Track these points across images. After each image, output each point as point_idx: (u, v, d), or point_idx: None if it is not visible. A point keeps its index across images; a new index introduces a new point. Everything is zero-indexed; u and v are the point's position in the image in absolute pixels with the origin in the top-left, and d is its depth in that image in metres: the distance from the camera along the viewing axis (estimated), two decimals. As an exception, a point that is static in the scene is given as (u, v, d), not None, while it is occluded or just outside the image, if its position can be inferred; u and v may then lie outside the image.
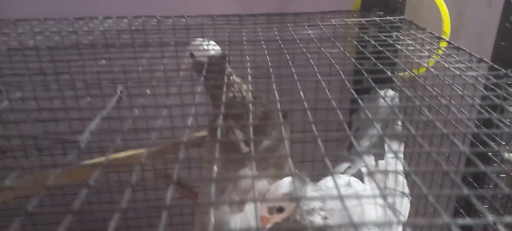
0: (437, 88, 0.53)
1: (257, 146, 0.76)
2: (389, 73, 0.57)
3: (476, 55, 0.61)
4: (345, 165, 0.82)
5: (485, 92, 0.49)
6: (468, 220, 0.28)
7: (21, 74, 0.55)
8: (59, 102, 0.47)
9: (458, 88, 0.49)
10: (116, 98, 0.46)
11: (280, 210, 0.66)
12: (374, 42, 0.66)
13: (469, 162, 0.46)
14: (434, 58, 0.63)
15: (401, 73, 0.91)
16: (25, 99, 0.47)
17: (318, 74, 0.54)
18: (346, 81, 0.52)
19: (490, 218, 0.28)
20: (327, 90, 0.50)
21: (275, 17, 0.85)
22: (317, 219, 0.67)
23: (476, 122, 0.64)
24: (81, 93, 0.49)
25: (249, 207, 0.75)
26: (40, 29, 0.76)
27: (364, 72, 0.55)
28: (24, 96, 0.48)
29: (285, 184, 0.67)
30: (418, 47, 0.65)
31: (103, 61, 0.60)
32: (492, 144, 0.37)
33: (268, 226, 0.74)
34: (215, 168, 0.35)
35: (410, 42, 0.67)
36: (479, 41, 0.97)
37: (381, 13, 0.86)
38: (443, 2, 0.86)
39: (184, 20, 0.82)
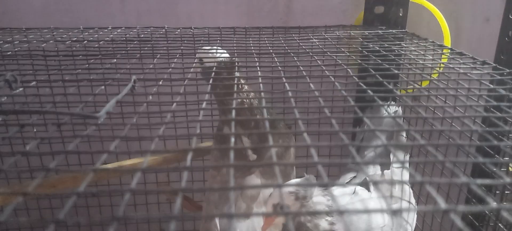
0: (443, 84, 0.54)
1: (263, 154, 0.76)
2: (394, 71, 0.58)
3: (479, 58, 0.63)
4: (350, 175, 0.82)
5: (491, 86, 0.50)
6: (486, 180, 0.28)
7: (34, 69, 0.56)
8: (73, 91, 0.48)
9: (463, 84, 0.50)
10: (130, 87, 0.46)
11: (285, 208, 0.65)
12: (378, 48, 0.68)
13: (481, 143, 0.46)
14: (438, 66, 0.65)
15: (403, 91, 0.92)
16: (40, 87, 0.48)
17: (324, 69, 0.55)
18: (353, 75, 0.53)
19: (507, 179, 0.28)
20: (336, 82, 0.51)
21: (279, 30, 0.87)
22: (323, 223, 0.66)
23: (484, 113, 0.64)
24: (86, 88, 0.49)
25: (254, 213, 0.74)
26: (50, 36, 0.77)
27: (371, 70, 0.56)
28: (38, 85, 0.49)
29: (292, 183, 0.66)
30: (422, 53, 0.67)
31: (114, 60, 0.61)
32: (502, 124, 0.38)
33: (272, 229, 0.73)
34: (232, 178, 0.34)
35: (413, 48, 0.69)
36: (477, 56, 0.99)
37: (383, 27, 0.89)
38: (443, 18, 0.89)
39: (191, 31, 0.84)
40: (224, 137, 0.77)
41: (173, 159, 0.87)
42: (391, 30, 0.84)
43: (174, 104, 0.44)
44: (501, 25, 0.86)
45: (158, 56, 0.63)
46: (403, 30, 0.88)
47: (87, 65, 0.58)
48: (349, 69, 0.56)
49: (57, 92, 0.47)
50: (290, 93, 0.47)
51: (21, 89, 0.47)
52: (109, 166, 0.80)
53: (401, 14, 0.91)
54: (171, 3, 0.99)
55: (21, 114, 0.38)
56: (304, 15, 0.99)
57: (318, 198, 0.66)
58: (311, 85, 0.49)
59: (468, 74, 0.54)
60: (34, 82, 0.50)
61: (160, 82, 0.50)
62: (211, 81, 0.60)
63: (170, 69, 0.56)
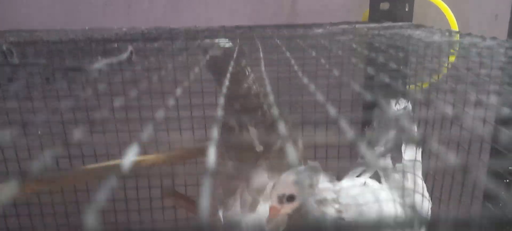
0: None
1: (271, 147, 0.74)
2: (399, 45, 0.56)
3: (487, 37, 0.61)
4: (360, 169, 0.79)
5: (505, 50, 0.48)
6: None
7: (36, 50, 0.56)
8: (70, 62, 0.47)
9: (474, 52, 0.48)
10: (127, 55, 0.45)
11: (291, 198, 0.62)
12: (383, 32, 0.66)
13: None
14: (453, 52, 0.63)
15: (412, 86, 0.90)
16: (37, 58, 0.47)
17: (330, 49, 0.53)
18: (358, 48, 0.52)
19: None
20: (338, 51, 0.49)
21: (284, 27, 0.87)
22: (331, 211, 0.63)
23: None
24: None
25: (262, 207, 0.71)
26: (56, 34, 0.78)
27: (376, 44, 0.55)
28: (36, 59, 0.48)
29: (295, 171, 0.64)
30: (429, 34, 0.65)
31: (115, 45, 0.60)
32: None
33: (279, 220, 0.70)
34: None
35: (419, 32, 0.68)
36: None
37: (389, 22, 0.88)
38: (449, 9, 0.88)
39: (195, 28, 0.84)
40: (230, 129, 0.75)
41: (179, 157, 0.85)
42: (397, 23, 0.83)
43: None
44: (509, 20, 0.84)
45: (159, 41, 0.63)
46: (410, 23, 0.87)
47: (89, 48, 0.58)
48: (354, 44, 0.55)
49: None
50: (296, 67, 0.45)
51: (17, 61, 0.46)
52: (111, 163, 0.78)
53: (407, 10, 0.90)
54: (176, 10, 1.00)
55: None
56: (309, 15, 0.99)
57: (325, 185, 0.63)
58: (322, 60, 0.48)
59: (479, 45, 0.53)
60: (31, 57, 0.49)
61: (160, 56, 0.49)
62: (214, 68, 0.59)
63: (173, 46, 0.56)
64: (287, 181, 0.62)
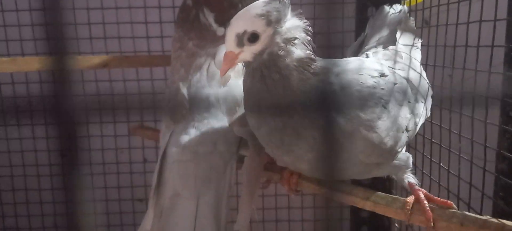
0: None
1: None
2: None
3: None
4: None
5: None
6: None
7: None
8: None
9: None
10: None
11: (253, 38, 0.50)
12: None
13: None
14: None
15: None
16: None
17: None
18: None
19: None
20: None
21: None
22: (298, 51, 0.51)
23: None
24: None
25: (233, 81, 0.63)
26: None
27: None
28: None
29: (259, 4, 0.52)
30: None
31: None
32: None
33: (236, 69, 0.59)
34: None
35: None
36: None
37: None
38: None
39: None
40: (186, 11, 0.68)
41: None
42: None
43: None
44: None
45: None
46: None
47: None
48: None
49: None
50: None
51: None
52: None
53: None
54: None
55: None
56: None
57: (294, 21, 0.52)
58: None
59: None
60: None
61: None
62: None
63: None
64: (247, 15, 0.51)
